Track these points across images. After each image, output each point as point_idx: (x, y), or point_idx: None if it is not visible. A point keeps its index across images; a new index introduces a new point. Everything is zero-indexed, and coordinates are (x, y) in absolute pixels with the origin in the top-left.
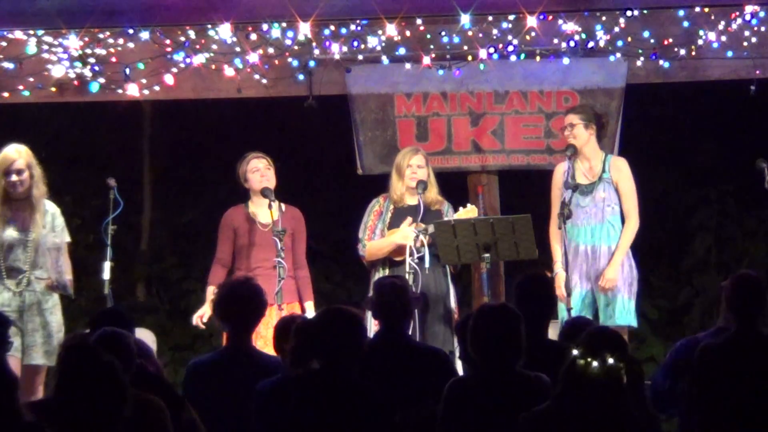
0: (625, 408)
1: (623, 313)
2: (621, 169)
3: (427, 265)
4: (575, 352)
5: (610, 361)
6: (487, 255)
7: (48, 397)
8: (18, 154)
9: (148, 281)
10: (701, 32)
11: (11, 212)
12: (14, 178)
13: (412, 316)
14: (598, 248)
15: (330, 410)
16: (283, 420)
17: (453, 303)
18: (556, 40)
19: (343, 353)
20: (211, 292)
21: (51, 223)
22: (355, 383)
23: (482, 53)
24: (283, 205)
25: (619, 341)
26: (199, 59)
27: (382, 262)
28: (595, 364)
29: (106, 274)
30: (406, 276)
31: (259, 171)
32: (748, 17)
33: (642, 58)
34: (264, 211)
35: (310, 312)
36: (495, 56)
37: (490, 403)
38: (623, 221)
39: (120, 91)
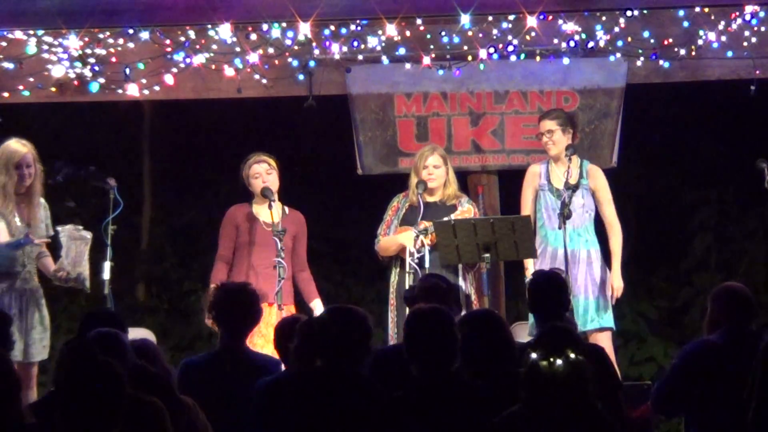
0: (594, 401)
1: (604, 316)
2: (598, 178)
3: (426, 265)
4: (534, 355)
5: (572, 356)
6: (487, 255)
7: (46, 397)
8: (25, 147)
9: (148, 281)
10: (701, 32)
11: (14, 206)
12: (25, 171)
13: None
14: (577, 252)
15: (333, 408)
16: (285, 418)
17: (467, 291)
18: (556, 40)
19: (346, 351)
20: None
21: (45, 214)
22: (359, 381)
23: (482, 53)
24: (286, 208)
25: (574, 337)
26: (199, 59)
27: (394, 259)
28: (559, 362)
29: (106, 274)
30: (406, 276)
31: (261, 176)
32: (748, 17)
33: (642, 58)
34: (267, 211)
35: (319, 310)
36: (495, 56)
37: (430, 407)
38: (596, 228)
39: (120, 91)
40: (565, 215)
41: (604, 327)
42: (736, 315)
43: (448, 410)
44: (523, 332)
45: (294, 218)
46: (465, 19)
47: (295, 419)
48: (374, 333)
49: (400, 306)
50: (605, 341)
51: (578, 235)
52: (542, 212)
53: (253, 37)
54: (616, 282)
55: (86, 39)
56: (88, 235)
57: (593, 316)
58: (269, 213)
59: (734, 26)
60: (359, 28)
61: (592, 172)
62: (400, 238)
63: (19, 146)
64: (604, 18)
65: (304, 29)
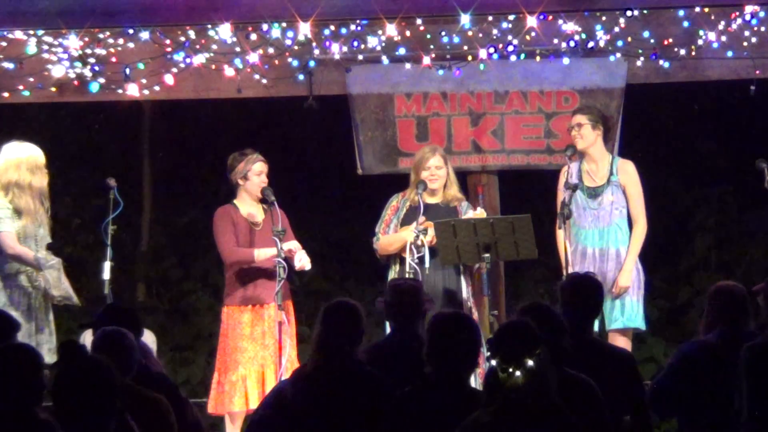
0: (557, 400)
1: (631, 316)
2: (629, 173)
3: (426, 265)
4: (493, 362)
5: (530, 363)
6: (487, 255)
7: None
8: (40, 152)
9: (148, 281)
10: (701, 32)
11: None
12: (45, 173)
13: (424, 318)
14: (606, 251)
15: (331, 400)
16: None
17: (466, 295)
18: (556, 40)
19: (338, 342)
20: (261, 253)
21: (48, 223)
22: (356, 372)
23: (482, 53)
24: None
25: (528, 334)
26: (199, 59)
27: (393, 258)
28: (518, 374)
29: (106, 274)
30: (406, 276)
31: (262, 176)
32: (748, 17)
33: (642, 58)
34: (254, 210)
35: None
36: (495, 56)
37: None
38: (630, 224)
39: (120, 91)
40: (565, 215)
41: (627, 327)
42: (732, 315)
43: (453, 413)
44: None
45: (282, 215)
46: (465, 19)
47: (296, 412)
48: (372, 331)
49: None
50: (623, 341)
51: (608, 233)
52: (573, 210)
53: (253, 37)
54: (622, 280)
55: (86, 39)
56: (54, 260)
57: (617, 316)
58: (256, 211)
59: (734, 26)
60: (359, 28)
61: (623, 167)
62: (404, 234)
63: (37, 151)
64: (604, 18)
65: (304, 29)
